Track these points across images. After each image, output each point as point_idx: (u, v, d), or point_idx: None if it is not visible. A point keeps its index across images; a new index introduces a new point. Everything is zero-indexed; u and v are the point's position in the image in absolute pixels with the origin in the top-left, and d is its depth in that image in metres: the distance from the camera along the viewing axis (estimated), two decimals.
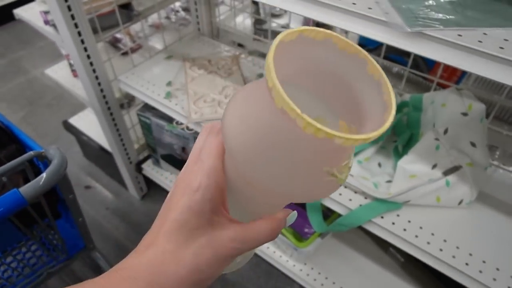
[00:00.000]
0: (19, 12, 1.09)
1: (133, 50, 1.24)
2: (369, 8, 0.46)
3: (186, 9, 1.41)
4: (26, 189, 0.59)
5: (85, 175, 1.50)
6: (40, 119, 1.70)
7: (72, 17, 0.85)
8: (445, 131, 0.67)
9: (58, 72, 1.26)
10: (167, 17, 1.39)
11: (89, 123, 1.41)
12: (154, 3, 1.08)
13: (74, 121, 1.43)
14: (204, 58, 1.05)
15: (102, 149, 1.34)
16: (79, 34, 0.88)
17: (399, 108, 0.81)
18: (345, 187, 0.73)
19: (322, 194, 0.24)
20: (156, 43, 1.29)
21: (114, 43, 1.29)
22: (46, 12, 0.99)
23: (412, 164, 0.70)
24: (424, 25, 0.41)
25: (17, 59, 2.06)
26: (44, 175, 0.60)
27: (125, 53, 1.19)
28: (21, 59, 2.05)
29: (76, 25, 0.87)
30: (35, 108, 1.76)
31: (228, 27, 1.21)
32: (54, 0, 0.80)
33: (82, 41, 0.90)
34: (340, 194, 0.73)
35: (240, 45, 1.26)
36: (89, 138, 1.37)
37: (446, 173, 0.66)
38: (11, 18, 1.14)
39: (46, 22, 0.99)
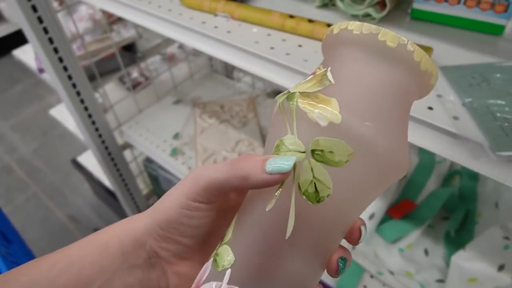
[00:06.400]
0: (18, 53, 1.01)
1: (141, 84, 1.14)
2: (428, 108, 0.32)
3: None
4: None
5: (95, 216, 1.41)
6: (52, 152, 1.64)
7: (65, 68, 0.75)
8: None
9: (63, 112, 1.18)
10: (180, 47, 1.28)
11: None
12: (161, 40, 0.97)
13: (83, 159, 1.34)
14: (216, 103, 0.93)
15: (109, 191, 1.24)
16: (74, 86, 0.79)
17: (448, 178, 0.66)
18: (384, 286, 0.59)
19: None
20: (167, 77, 1.18)
21: (122, 78, 1.19)
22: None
23: (471, 262, 0.54)
24: None
25: (33, 84, 2.02)
26: None
27: (135, 86, 1.10)
28: (37, 85, 2.01)
29: (70, 77, 0.77)
30: (48, 140, 1.70)
31: None
32: (41, 49, 0.71)
33: (78, 93, 0.80)
34: None
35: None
36: (98, 179, 1.28)
37: None
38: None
39: (40, 70, 0.89)
